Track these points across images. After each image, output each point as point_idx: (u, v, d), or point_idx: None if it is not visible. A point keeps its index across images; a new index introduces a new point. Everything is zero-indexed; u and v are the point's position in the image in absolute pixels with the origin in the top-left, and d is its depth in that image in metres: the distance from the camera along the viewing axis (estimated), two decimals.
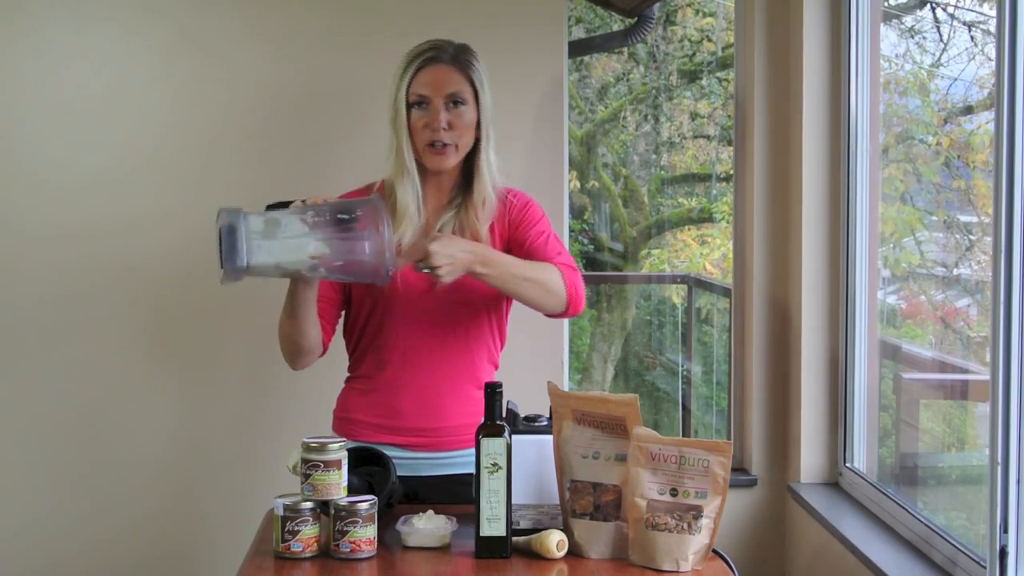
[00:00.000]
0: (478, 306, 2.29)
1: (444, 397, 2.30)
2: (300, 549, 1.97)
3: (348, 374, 2.40)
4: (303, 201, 2.08)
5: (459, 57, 2.26)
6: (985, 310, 2.63)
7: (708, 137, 6.82)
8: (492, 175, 2.29)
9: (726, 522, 3.16)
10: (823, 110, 3.16)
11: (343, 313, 2.37)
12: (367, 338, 2.31)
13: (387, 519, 2.10)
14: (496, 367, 2.39)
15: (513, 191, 2.36)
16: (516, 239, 2.30)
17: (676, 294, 6.20)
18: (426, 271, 2.08)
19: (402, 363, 2.29)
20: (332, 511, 1.98)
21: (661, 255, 6.68)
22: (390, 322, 2.27)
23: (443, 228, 2.28)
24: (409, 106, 2.24)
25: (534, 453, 2.05)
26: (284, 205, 2.09)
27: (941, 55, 3.60)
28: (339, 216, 2.03)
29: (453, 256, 2.08)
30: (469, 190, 2.29)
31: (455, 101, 2.23)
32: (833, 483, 3.20)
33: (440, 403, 2.30)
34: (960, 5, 3.72)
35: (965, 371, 3.00)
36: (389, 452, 2.24)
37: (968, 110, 3.23)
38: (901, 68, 3.51)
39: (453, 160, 2.26)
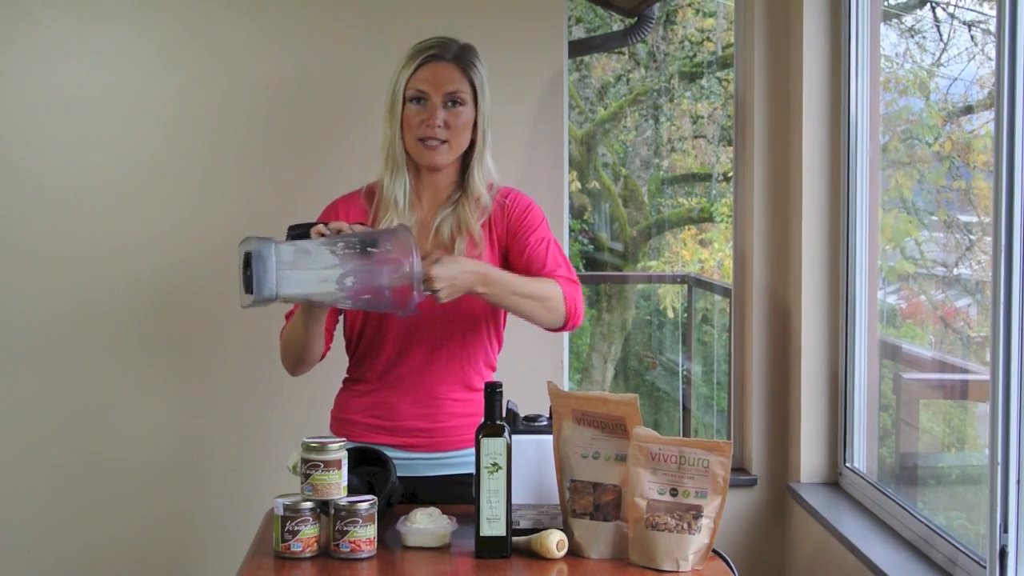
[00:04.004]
0: (476, 315, 2.29)
1: (440, 398, 2.30)
2: (300, 549, 1.97)
3: (346, 375, 2.40)
4: (327, 227, 2.06)
5: (462, 57, 2.26)
6: (985, 310, 2.63)
7: (708, 137, 6.82)
8: (487, 176, 2.30)
9: (726, 522, 3.15)
10: (823, 110, 3.16)
11: (340, 317, 2.38)
12: (364, 342, 2.31)
13: (387, 519, 2.10)
14: (493, 369, 2.39)
15: (513, 192, 2.35)
16: (515, 244, 2.29)
17: (676, 299, 6.20)
18: (427, 293, 2.07)
19: (398, 365, 2.29)
20: (332, 511, 1.98)
21: (662, 256, 6.68)
22: (386, 326, 2.27)
23: (441, 225, 2.28)
24: (406, 100, 2.24)
25: (534, 453, 2.05)
26: (306, 227, 2.08)
27: (941, 55, 3.60)
28: (368, 249, 2.01)
29: (454, 278, 2.09)
30: (466, 189, 2.29)
31: (453, 100, 2.23)
32: (833, 483, 3.20)
33: (436, 404, 2.30)
34: (960, 4, 3.72)
35: (965, 371, 3.00)
36: (386, 453, 2.24)
37: (968, 110, 3.23)
38: (901, 67, 3.51)
39: (445, 157, 2.26)
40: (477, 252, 2.26)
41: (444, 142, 2.24)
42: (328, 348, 2.34)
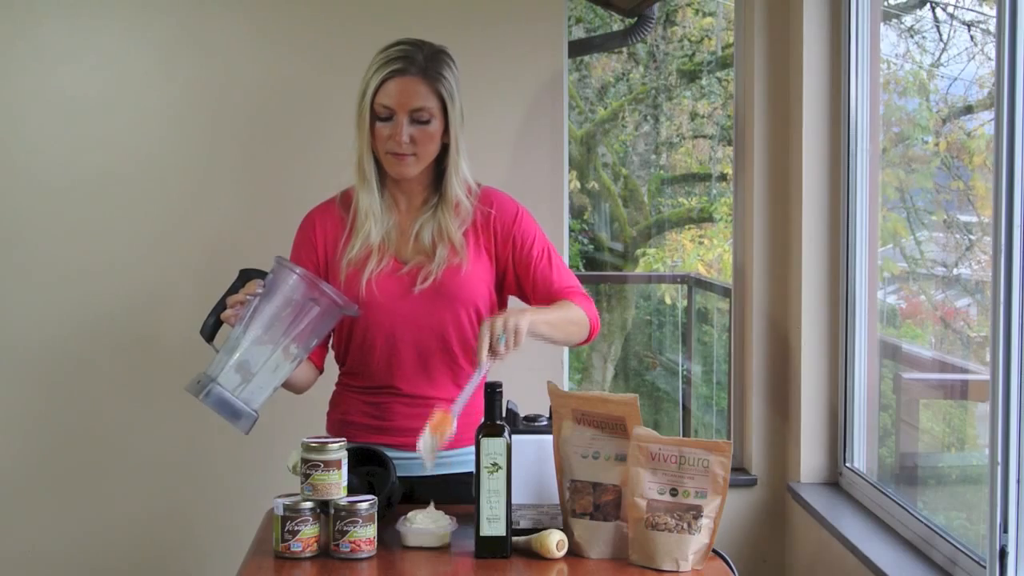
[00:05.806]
0: (455, 305, 2.27)
1: (432, 397, 2.29)
2: (300, 549, 1.97)
3: (341, 376, 2.40)
4: (224, 303, 2.11)
5: (429, 69, 2.21)
6: (985, 310, 2.63)
7: (708, 137, 6.82)
8: (463, 180, 2.29)
9: (726, 522, 3.16)
10: (823, 110, 3.16)
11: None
12: (354, 345, 2.31)
13: (387, 519, 2.10)
14: None
15: (497, 197, 2.33)
16: (520, 263, 2.30)
17: (675, 291, 6.19)
18: (502, 347, 2.07)
19: (388, 365, 2.28)
20: (332, 511, 1.98)
21: (659, 254, 6.68)
22: (372, 328, 2.27)
23: (421, 231, 2.28)
24: (374, 115, 2.23)
25: (534, 453, 2.05)
26: (215, 315, 2.11)
27: (941, 55, 3.60)
28: (282, 315, 2.06)
29: (511, 318, 2.08)
30: (443, 192, 2.29)
31: (420, 117, 2.21)
32: (833, 483, 3.20)
33: (428, 403, 2.29)
34: (960, 5, 3.72)
35: (965, 371, 3.00)
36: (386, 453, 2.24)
37: (968, 110, 3.23)
38: (901, 68, 3.51)
39: (413, 169, 2.25)
40: (458, 260, 2.26)
41: (412, 155, 2.23)
42: (322, 363, 2.35)
